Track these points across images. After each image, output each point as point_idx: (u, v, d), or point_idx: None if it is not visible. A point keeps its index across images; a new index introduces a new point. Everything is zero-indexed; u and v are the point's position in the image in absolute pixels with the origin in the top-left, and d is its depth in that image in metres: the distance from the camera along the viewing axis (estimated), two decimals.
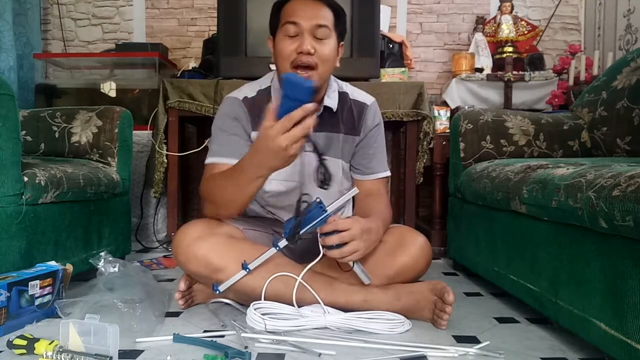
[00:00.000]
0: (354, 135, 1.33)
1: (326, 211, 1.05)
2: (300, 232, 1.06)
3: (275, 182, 1.27)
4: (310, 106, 0.92)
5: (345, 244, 1.05)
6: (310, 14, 1.16)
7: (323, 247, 1.07)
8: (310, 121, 0.93)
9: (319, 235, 1.07)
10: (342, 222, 1.05)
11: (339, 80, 1.35)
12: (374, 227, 1.13)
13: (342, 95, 1.32)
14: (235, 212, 1.21)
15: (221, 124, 1.27)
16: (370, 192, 1.32)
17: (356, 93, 1.36)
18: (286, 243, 1.09)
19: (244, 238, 1.24)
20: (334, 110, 1.28)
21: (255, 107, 1.26)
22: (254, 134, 1.26)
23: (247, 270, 1.11)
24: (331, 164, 1.30)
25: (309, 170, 1.29)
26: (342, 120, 1.31)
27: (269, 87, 1.30)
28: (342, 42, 1.25)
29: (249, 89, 1.30)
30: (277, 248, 1.10)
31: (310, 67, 1.16)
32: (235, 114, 1.26)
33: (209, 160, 1.25)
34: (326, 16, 1.18)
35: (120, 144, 1.77)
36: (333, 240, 1.05)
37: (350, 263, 1.11)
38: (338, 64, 1.24)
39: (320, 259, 1.09)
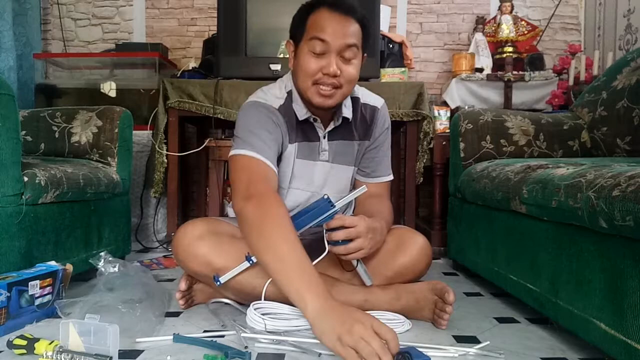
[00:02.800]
0: (365, 140, 1.32)
1: (334, 206, 1.05)
2: (307, 227, 1.05)
3: (297, 192, 1.26)
4: None
5: (350, 240, 1.05)
6: (339, 31, 1.10)
7: (328, 242, 1.06)
8: None
9: (324, 231, 1.07)
10: (349, 219, 1.06)
11: None
12: (379, 227, 1.13)
13: (354, 101, 1.30)
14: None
15: (262, 122, 1.16)
16: (373, 194, 1.32)
17: (366, 96, 1.33)
18: None
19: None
20: (350, 119, 1.26)
21: (287, 117, 1.21)
22: (289, 147, 1.21)
23: (251, 262, 1.09)
24: (343, 173, 1.30)
25: (324, 179, 1.28)
26: (356, 126, 1.30)
27: (291, 90, 1.23)
28: (365, 54, 1.21)
29: (275, 98, 1.22)
30: None
31: (334, 87, 1.13)
32: (277, 121, 1.18)
33: (246, 152, 1.12)
34: (355, 33, 1.13)
35: (120, 144, 1.77)
36: (339, 235, 1.05)
37: (354, 262, 1.11)
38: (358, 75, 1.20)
39: (326, 255, 1.09)
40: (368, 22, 1.18)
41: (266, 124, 1.16)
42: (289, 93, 1.23)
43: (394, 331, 0.84)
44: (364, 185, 1.14)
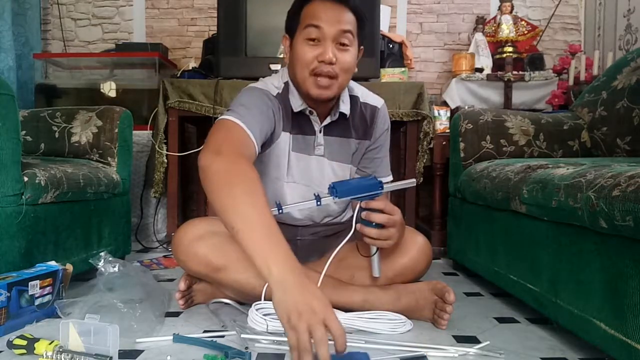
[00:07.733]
0: (365, 140, 1.31)
1: (382, 187, 1.04)
2: (350, 197, 1.03)
3: (294, 185, 1.24)
4: None
5: (382, 226, 1.05)
6: (334, 18, 1.10)
7: (361, 221, 1.06)
8: None
9: (357, 209, 1.05)
10: (389, 205, 1.05)
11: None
12: (404, 225, 1.14)
13: (353, 99, 1.28)
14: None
15: (256, 101, 1.13)
16: None
17: (365, 95, 1.32)
18: (332, 201, 1.03)
19: None
20: (347, 115, 1.25)
21: (284, 105, 1.21)
22: (283, 134, 1.20)
23: (280, 211, 1.02)
24: (340, 170, 1.29)
25: (321, 175, 1.26)
26: (354, 125, 1.28)
27: (287, 82, 1.23)
28: (361, 47, 1.21)
29: (273, 87, 1.21)
30: (319, 203, 1.03)
31: (330, 77, 1.12)
32: (273, 106, 1.17)
33: (232, 118, 1.05)
34: (350, 21, 1.13)
35: (120, 144, 1.77)
36: (378, 218, 1.04)
37: (373, 249, 1.10)
38: (356, 69, 1.20)
39: (352, 233, 1.07)
40: (362, 13, 1.17)
41: (260, 104, 1.14)
42: (286, 84, 1.22)
43: (343, 330, 0.76)
44: (413, 179, 1.14)
